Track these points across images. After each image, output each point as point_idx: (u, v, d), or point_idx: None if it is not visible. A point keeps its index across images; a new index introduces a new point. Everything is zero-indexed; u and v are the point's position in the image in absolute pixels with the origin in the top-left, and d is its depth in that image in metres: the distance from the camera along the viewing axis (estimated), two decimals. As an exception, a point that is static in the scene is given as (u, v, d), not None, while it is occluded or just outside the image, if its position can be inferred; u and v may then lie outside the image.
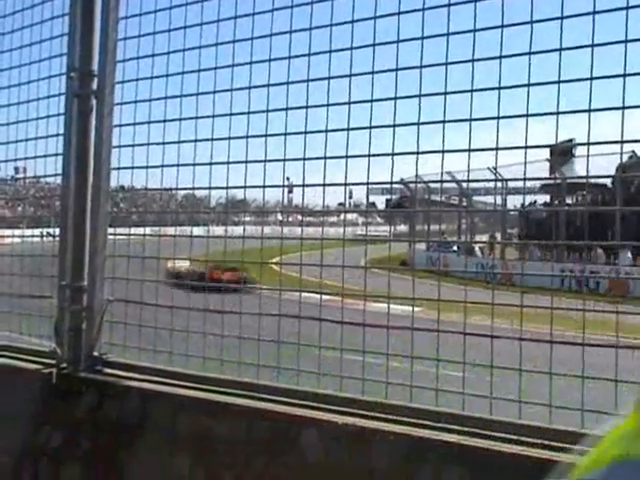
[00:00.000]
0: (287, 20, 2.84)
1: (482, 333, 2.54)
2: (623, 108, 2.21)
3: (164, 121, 3.20)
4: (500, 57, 2.42)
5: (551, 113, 2.38)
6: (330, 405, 2.62)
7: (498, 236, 27.59)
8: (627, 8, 2.20)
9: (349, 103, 2.72)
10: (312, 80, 2.80)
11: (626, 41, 2.18)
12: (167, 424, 2.88)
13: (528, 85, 2.36)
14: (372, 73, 2.67)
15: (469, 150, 2.53)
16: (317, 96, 2.79)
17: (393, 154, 2.66)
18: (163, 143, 3.20)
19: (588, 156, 2.59)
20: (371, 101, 2.67)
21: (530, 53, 2.34)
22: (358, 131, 2.72)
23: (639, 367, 2.19)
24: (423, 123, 2.58)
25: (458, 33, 2.51)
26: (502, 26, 2.40)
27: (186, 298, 3.24)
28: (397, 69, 2.62)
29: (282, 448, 2.56)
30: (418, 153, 2.63)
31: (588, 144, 2.38)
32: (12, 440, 3.31)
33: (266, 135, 2.90)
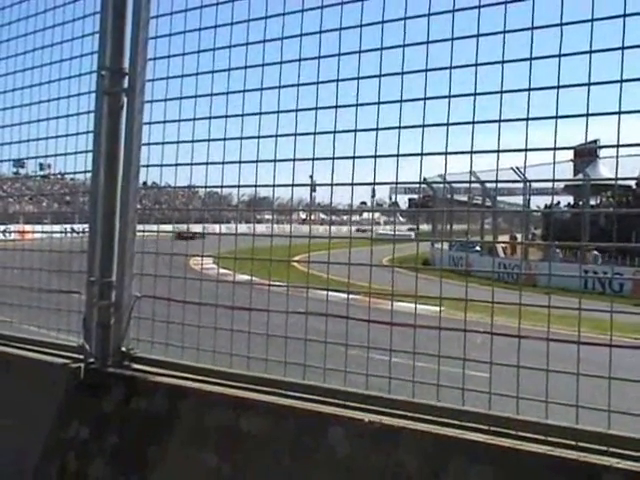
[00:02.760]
0: (317, 20, 2.86)
1: (509, 333, 2.53)
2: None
3: (194, 119, 3.23)
4: (530, 59, 2.41)
5: (579, 115, 2.37)
6: (355, 402, 2.64)
7: (520, 237, 27.42)
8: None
9: (378, 103, 2.72)
10: (341, 80, 2.81)
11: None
12: (194, 420, 2.91)
13: (558, 87, 2.36)
14: (402, 74, 2.67)
15: (497, 151, 2.53)
16: (346, 96, 2.81)
17: (422, 154, 2.66)
18: (192, 141, 3.23)
19: (618, 157, 2.57)
20: (400, 101, 2.68)
21: (560, 55, 2.34)
22: (381, 132, 2.73)
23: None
24: (452, 124, 2.58)
25: (488, 34, 2.51)
26: (532, 28, 2.40)
27: (214, 295, 3.27)
28: (427, 70, 2.62)
29: (309, 445, 2.58)
30: (447, 154, 2.63)
31: (617, 146, 2.36)
32: (40, 434, 3.35)
33: (295, 134, 2.92)
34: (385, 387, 2.70)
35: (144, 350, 3.37)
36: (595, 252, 22.50)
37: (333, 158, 2.86)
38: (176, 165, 3.28)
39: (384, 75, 2.72)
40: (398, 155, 2.70)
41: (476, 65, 2.52)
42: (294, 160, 2.94)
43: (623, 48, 2.22)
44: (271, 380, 2.89)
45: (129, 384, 3.18)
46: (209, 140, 3.17)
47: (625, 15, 2.22)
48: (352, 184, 2.87)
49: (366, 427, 2.47)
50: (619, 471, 2.05)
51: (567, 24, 2.34)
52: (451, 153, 2.63)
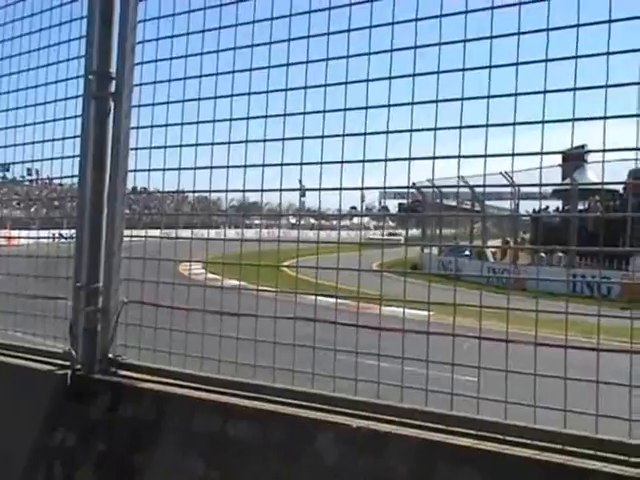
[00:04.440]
0: (305, 25, 2.85)
1: (497, 338, 2.53)
2: (637, 116, 2.20)
3: (181, 124, 3.21)
4: (517, 64, 2.42)
5: (565, 120, 2.38)
6: (344, 408, 2.63)
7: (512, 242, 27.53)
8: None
9: (366, 108, 2.72)
10: (329, 85, 2.80)
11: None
12: (182, 426, 2.89)
13: (545, 92, 2.36)
14: (389, 78, 2.67)
15: (485, 156, 2.54)
16: (335, 100, 2.80)
17: (410, 159, 2.65)
18: (180, 146, 3.21)
19: (604, 162, 2.58)
20: (388, 106, 2.68)
21: (546, 60, 2.34)
22: (369, 136, 2.73)
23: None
24: (440, 128, 2.58)
25: (474, 40, 2.52)
26: (519, 33, 2.40)
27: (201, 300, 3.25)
28: (414, 75, 2.62)
29: (297, 451, 2.57)
30: (434, 158, 2.63)
31: (604, 151, 2.37)
32: (26, 441, 3.32)
33: (283, 139, 2.91)
34: (377, 392, 2.70)
35: (133, 356, 3.35)
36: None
37: (321, 163, 2.86)
38: (164, 170, 3.27)
39: (372, 80, 2.72)
40: (386, 160, 2.70)
41: (463, 70, 2.52)
42: (282, 165, 2.93)
43: (608, 54, 2.23)
44: (258, 386, 2.88)
45: (116, 391, 3.16)
46: (196, 145, 3.16)
47: (610, 21, 2.22)
48: (340, 189, 2.86)
49: (354, 433, 2.47)
50: (606, 475, 2.05)
51: (554, 29, 2.35)
52: (438, 157, 2.63)
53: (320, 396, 2.73)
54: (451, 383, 2.52)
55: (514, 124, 2.43)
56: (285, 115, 2.91)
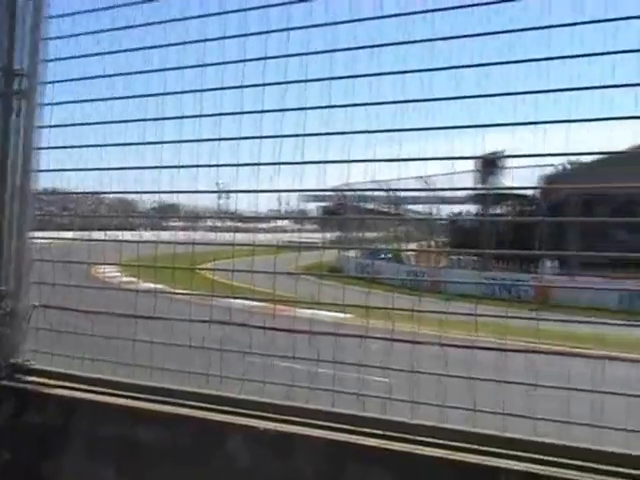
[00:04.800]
0: (221, 24, 2.83)
1: (407, 339, 2.58)
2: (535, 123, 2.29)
3: (89, 124, 3.13)
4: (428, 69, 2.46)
5: (478, 126, 2.44)
6: (252, 410, 2.61)
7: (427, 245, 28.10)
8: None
9: (283, 110, 2.72)
10: (245, 87, 2.79)
11: (549, 58, 2.26)
12: (91, 432, 2.82)
13: (457, 98, 2.42)
14: (306, 81, 2.68)
15: (399, 160, 2.58)
16: (250, 101, 2.79)
17: (325, 162, 2.67)
18: (89, 146, 3.14)
19: (513, 167, 2.66)
20: (305, 109, 2.68)
21: (458, 67, 2.40)
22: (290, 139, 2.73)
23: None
24: (355, 132, 2.60)
25: (387, 45, 2.55)
26: (432, 40, 2.45)
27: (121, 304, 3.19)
28: (331, 78, 2.64)
29: (207, 454, 2.54)
30: (349, 162, 2.65)
31: (513, 156, 2.44)
32: None
33: (199, 140, 2.88)
34: (294, 395, 2.70)
35: (46, 362, 3.24)
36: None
37: (237, 165, 2.84)
38: (73, 170, 3.19)
39: (288, 82, 2.72)
40: (302, 163, 2.71)
41: (378, 75, 2.56)
42: (197, 167, 2.90)
43: (518, 62, 2.30)
44: (167, 390, 2.84)
45: (21, 397, 3.04)
46: (105, 145, 3.08)
47: (510, 31, 2.30)
48: (256, 191, 2.86)
49: (262, 435, 2.46)
50: (517, 473, 2.10)
51: (462, 37, 2.40)
52: (354, 161, 2.66)
53: (228, 399, 2.71)
54: (360, 384, 2.54)
55: (424, 129, 2.48)
56: (200, 116, 2.88)
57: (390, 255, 25.62)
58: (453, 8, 2.41)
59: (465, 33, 2.39)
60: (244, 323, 2.83)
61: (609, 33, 2.16)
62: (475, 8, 2.37)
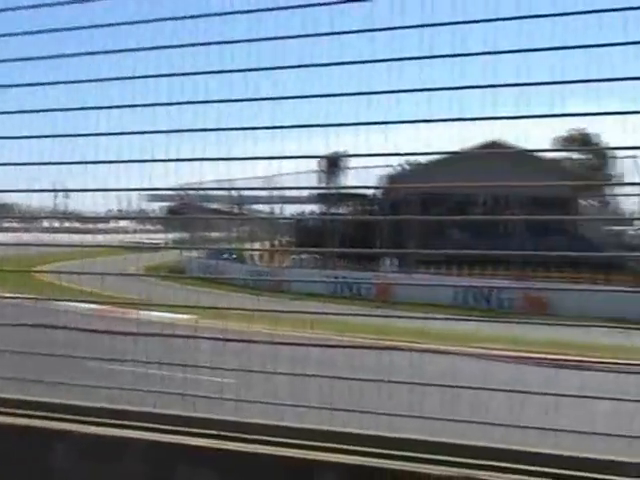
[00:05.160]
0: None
1: (241, 339, 2.58)
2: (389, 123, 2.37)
3: None
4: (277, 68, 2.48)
5: (321, 125, 2.48)
6: (83, 416, 2.52)
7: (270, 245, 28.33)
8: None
9: (131, 106, 2.64)
10: (103, 80, 2.66)
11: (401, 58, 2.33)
12: None
13: (303, 97, 2.45)
14: (156, 76, 2.61)
15: (245, 158, 2.59)
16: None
17: (170, 160, 2.63)
18: None
19: (355, 168, 2.74)
20: (152, 105, 2.61)
21: (303, 66, 2.43)
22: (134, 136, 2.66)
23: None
24: (202, 130, 2.57)
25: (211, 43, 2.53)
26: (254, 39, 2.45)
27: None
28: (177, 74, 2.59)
29: (33, 460, 2.42)
30: (195, 160, 2.62)
31: (355, 156, 2.52)
32: None
33: (42, 136, 2.72)
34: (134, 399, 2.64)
35: None
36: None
37: (78, 163, 2.72)
38: None
39: (139, 77, 2.62)
40: (144, 161, 2.63)
41: (230, 71, 2.53)
42: (38, 164, 2.74)
43: (373, 61, 2.35)
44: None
45: None
46: None
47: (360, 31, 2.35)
48: (95, 190, 2.76)
49: (92, 439, 2.38)
50: (339, 465, 2.13)
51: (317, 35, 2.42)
52: (198, 160, 2.62)
53: (57, 405, 2.59)
54: (192, 384, 2.52)
55: (258, 127, 2.48)
56: (55, 110, 2.72)
57: (234, 255, 25.51)
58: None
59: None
60: (65, 326, 2.73)
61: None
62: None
